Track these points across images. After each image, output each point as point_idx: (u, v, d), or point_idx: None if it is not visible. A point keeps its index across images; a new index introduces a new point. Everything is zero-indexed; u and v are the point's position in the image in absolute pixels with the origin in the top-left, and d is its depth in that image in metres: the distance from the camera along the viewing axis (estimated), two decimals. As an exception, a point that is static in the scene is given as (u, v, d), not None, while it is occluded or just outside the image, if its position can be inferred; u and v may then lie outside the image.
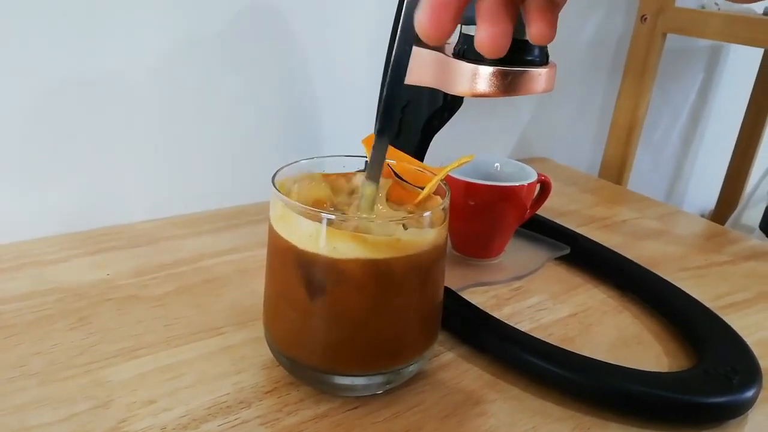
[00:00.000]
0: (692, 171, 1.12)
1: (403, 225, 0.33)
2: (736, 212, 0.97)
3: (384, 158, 0.33)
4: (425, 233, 0.33)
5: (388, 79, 0.32)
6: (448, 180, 0.41)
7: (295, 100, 0.64)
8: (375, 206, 0.34)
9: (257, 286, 0.46)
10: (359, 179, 0.40)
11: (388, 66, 0.53)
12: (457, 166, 0.36)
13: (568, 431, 0.35)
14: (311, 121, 0.66)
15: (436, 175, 0.37)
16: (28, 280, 0.46)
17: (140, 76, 0.54)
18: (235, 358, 0.39)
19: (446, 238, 0.36)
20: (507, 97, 0.81)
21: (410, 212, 0.35)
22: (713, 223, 0.68)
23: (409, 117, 0.51)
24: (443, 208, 0.35)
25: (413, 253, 0.33)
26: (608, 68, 0.88)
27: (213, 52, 0.57)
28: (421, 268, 0.34)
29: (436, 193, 0.37)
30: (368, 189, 0.34)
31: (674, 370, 0.41)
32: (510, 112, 0.83)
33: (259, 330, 0.41)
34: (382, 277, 0.33)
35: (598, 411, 0.37)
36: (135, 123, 0.55)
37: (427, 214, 0.34)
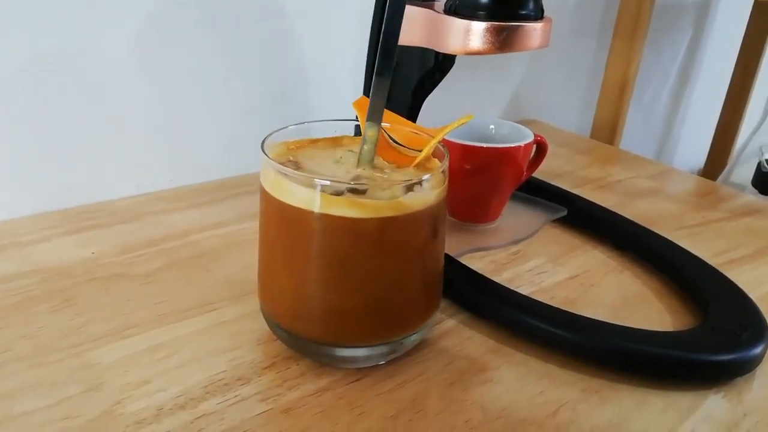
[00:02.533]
0: (681, 129, 1.11)
1: (404, 188, 0.31)
2: (726, 170, 0.97)
3: (385, 99, 0.32)
4: (425, 195, 0.32)
5: (386, 14, 0.31)
6: (443, 142, 0.40)
7: (280, 68, 0.61)
8: (374, 160, 0.33)
9: (249, 259, 0.45)
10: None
11: (376, 26, 0.51)
12: (456, 126, 0.34)
13: (576, 394, 0.35)
14: (297, 88, 0.63)
15: (432, 137, 0.35)
16: (8, 262, 0.44)
17: (116, 46, 0.51)
18: (230, 333, 0.38)
19: (446, 201, 0.34)
20: (496, 58, 0.79)
21: (408, 175, 0.34)
22: (707, 180, 0.68)
23: (399, 79, 0.49)
24: (443, 171, 0.33)
25: (413, 215, 0.32)
26: (597, 27, 0.87)
27: (193, 19, 0.54)
28: (421, 232, 0.33)
29: (433, 155, 0.36)
30: (370, 131, 0.33)
31: (679, 328, 0.40)
32: (499, 73, 0.81)
33: (253, 304, 0.40)
34: (383, 239, 0.32)
35: (605, 373, 0.36)
36: (111, 95, 0.52)
37: (426, 176, 0.32)
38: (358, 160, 0.34)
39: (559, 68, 0.86)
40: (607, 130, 0.85)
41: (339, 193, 0.31)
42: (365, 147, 0.33)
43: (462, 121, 0.34)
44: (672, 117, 1.08)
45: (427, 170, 0.34)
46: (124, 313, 0.39)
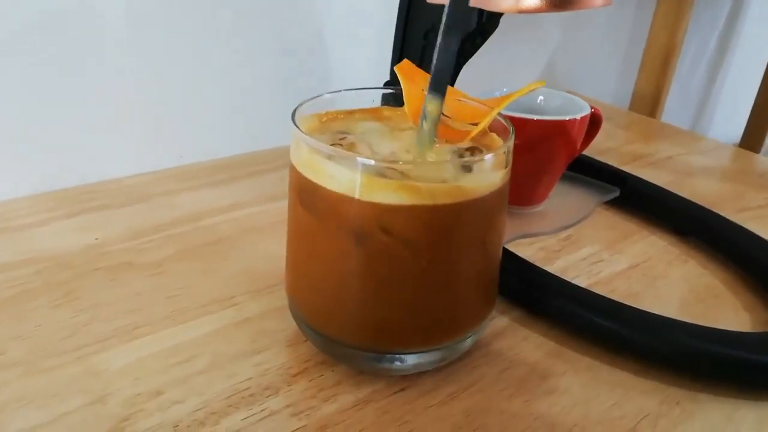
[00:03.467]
0: (718, 101, 1.05)
1: (464, 167, 0.26)
2: (766, 146, 0.92)
3: (452, 64, 0.27)
4: (489, 178, 0.27)
5: None
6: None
7: (295, 34, 0.55)
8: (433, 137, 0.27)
9: (271, 246, 0.40)
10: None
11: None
12: (526, 93, 0.29)
13: (655, 406, 0.30)
14: (315, 57, 0.58)
15: (488, 106, 0.30)
16: (0, 249, 0.39)
17: (120, 13, 0.45)
18: (253, 333, 0.33)
19: (509, 185, 0.29)
20: (530, 23, 0.73)
21: (467, 152, 0.29)
22: (764, 158, 0.62)
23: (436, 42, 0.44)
24: (507, 149, 0.28)
25: (474, 202, 0.27)
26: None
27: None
28: (482, 221, 0.28)
29: (490, 129, 0.31)
30: (431, 105, 0.27)
31: (760, 328, 0.36)
32: (531, 40, 0.74)
33: (278, 299, 0.35)
34: (438, 229, 0.27)
35: (683, 380, 0.31)
36: (115, 65, 0.47)
37: (489, 156, 0.27)
38: (418, 142, 0.28)
39: (595, 34, 0.80)
40: (648, 100, 0.79)
41: (385, 175, 0.26)
42: (425, 125, 0.27)
43: (531, 87, 0.29)
44: (709, 88, 1.02)
45: (487, 147, 0.29)
46: (133, 309, 0.35)
